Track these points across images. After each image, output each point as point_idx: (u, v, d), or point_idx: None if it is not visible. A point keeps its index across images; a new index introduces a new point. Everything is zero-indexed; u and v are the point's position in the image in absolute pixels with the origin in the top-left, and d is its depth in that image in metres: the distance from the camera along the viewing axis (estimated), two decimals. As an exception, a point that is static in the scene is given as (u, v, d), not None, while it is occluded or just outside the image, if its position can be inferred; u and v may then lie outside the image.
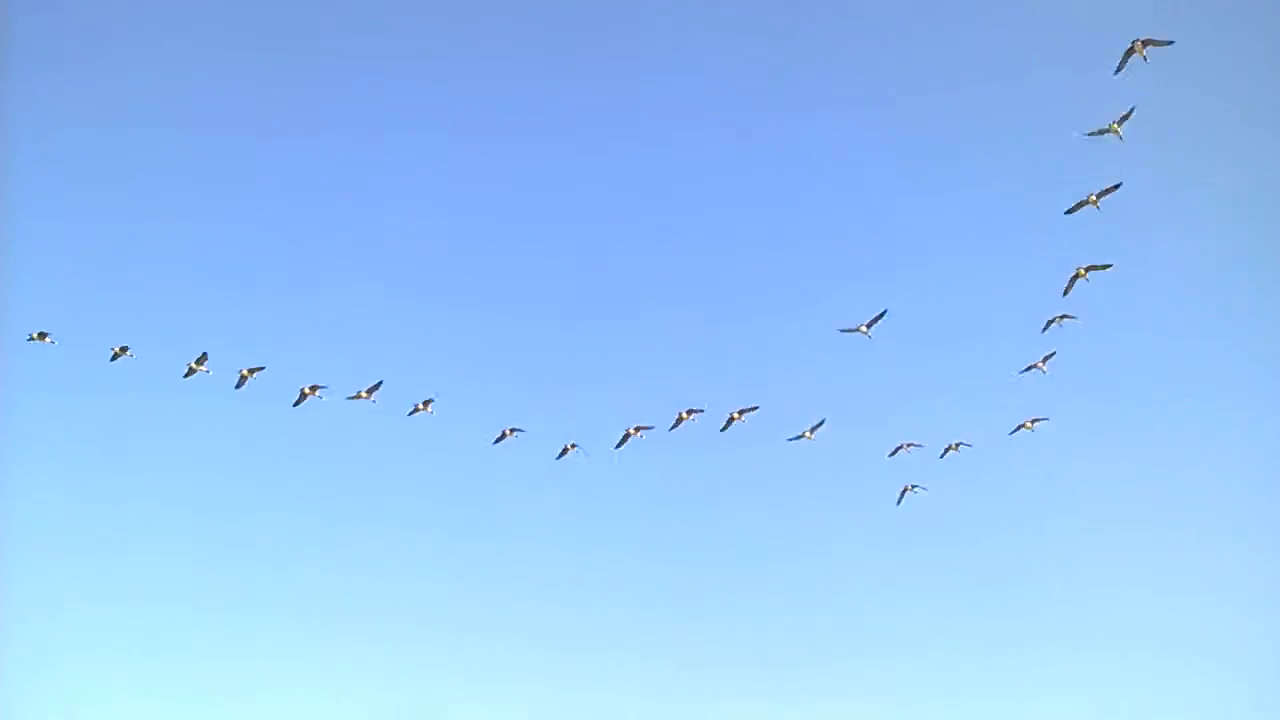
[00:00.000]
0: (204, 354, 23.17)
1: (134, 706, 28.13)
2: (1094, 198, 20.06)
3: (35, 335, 23.03)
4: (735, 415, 23.52)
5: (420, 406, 24.12)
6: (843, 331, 22.91)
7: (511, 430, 24.67)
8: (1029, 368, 23.33)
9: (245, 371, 23.31)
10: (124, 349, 22.88)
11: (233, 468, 34.30)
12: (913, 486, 25.11)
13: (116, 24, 37.00)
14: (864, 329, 22.74)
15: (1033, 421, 24.13)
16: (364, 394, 23.92)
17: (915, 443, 24.59)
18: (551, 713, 29.08)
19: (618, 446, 24.04)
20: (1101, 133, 19.15)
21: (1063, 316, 22.01)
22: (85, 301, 31.79)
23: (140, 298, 33.34)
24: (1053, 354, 23.08)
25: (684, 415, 23.52)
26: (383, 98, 40.15)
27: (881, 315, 22.63)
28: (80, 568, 31.12)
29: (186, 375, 23.29)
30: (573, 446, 24.32)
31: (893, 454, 24.68)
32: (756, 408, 23.64)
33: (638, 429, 23.88)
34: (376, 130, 40.43)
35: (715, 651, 31.39)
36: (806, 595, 32.30)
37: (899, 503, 25.29)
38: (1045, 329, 22.25)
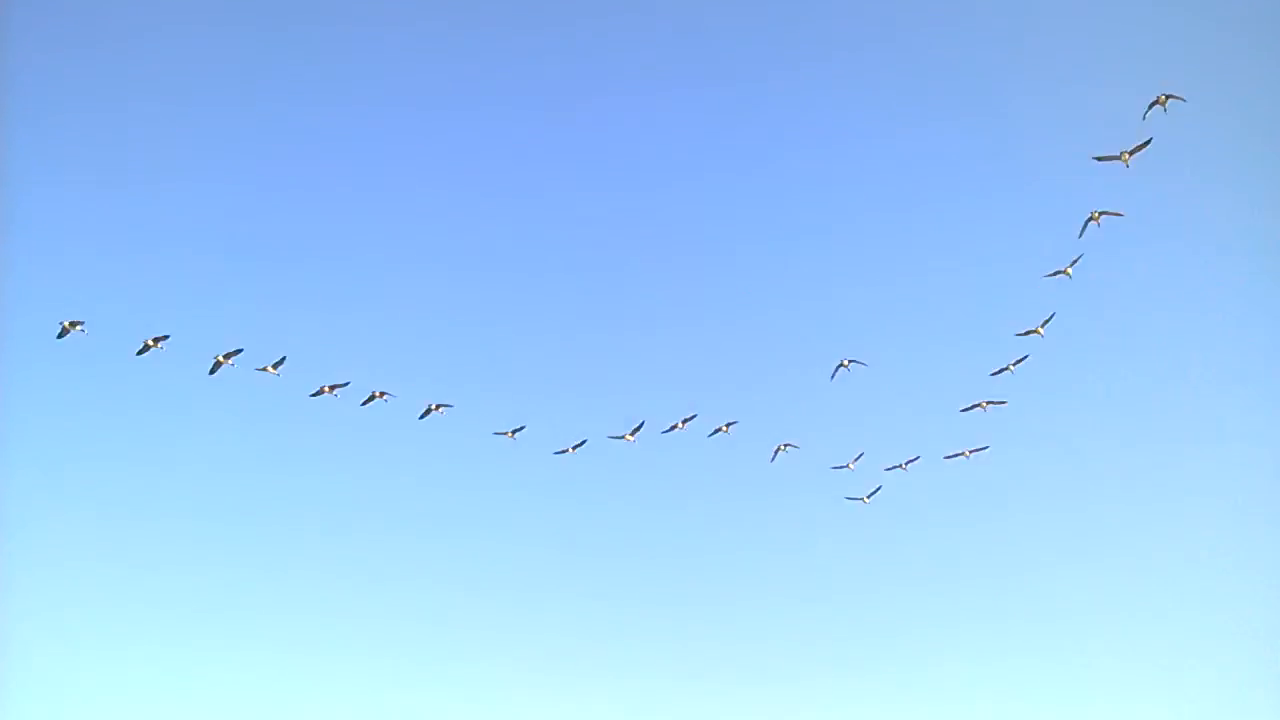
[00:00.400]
0: (238, 349, 22.95)
1: (137, 705, 28.79)
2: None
3: (66, 325, 21.92)
4: (723, 427, 25.77)
5: (434, 408, 25.15)
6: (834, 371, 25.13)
7: (512, 431, 25.89)
8: (972, 406, 24.48)
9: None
10: (159, 339, 22.34)
11: (236, 465, 34.96)
12: (868, 495, 26.90)
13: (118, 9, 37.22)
14: (846, 364, 24.89)
15: (971, 451, 25.20)
16: (378, 395, 24.63)
17: (858, 457, 26.00)
18: (547, 712, 30.20)
19: (612, 438, 25.82)
20: None
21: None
22: (85, 293, 32.00)
23: (147, 290, 33.86)
24: (1003, 401, 24.40)
25: (679, 424, 25.46)
26: (387, 102, 41.55)
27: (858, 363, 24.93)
28: (82, 565, 31.40)
29: (212, 370, 23.05)
30: (571, 448, 25.93)
31: (837, 468, 26.20)
32: (736, 421, 25.82)
33: (633, 431, 25.61)
34: (379, 131, 41.67)
35: (705, 650, 32.71)
36: (792, 596, 33.67)
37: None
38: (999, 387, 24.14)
